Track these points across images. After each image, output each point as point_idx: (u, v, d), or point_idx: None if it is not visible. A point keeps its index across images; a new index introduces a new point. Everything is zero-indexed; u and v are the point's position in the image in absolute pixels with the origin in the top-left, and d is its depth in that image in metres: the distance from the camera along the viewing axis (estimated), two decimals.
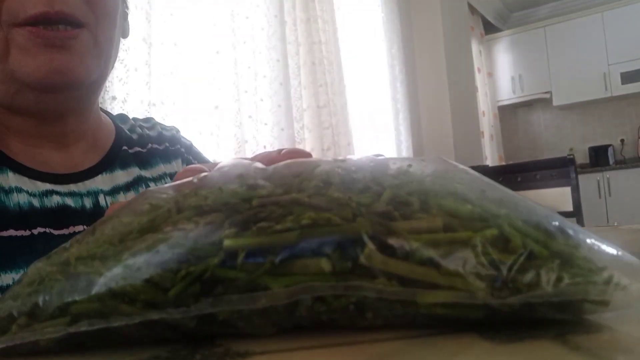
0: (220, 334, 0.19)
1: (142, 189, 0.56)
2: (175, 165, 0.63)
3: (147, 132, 0.63)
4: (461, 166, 0.22)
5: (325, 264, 0.17)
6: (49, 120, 0.50)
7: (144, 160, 0.59)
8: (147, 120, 0.67)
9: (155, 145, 0.62)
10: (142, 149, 0.60)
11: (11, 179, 0.47)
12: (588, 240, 0.18)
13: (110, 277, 0.18)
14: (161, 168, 0.60)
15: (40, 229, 0.47)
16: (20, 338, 0.18)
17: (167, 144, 0.64)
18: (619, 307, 0.17)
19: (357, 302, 0.18)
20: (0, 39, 0.43)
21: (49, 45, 0.44)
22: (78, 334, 0.18)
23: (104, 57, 0.49)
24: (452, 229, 0.17)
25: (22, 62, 0.44)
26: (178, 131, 0.68)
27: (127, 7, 0.56)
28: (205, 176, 0.21)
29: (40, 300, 0.19)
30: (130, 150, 0.59)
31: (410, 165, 0.21)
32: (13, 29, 0.43)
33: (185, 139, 0.68)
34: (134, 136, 0.61)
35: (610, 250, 0.18)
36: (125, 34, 0.56)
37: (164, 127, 0.66)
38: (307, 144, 2.32)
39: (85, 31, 0.46)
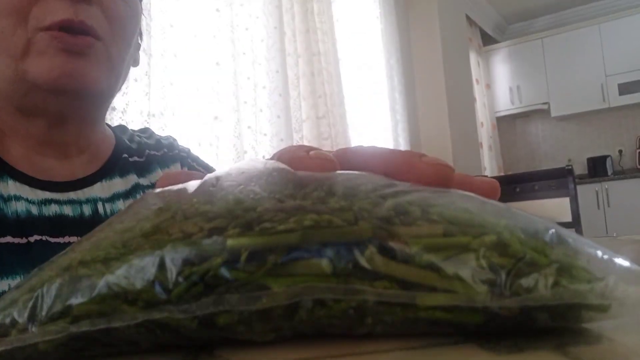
0: (219, 342, 0.19)
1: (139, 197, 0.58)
2: (174, 169, 0.65)
3: (145, 140, 0.65)
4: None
5: (326, 266, 0.18)
6: (55, 124, 0.52)
7: (142, 167, 0.61)
8: (144, 130, 0.70)
9: (153, 152, 0.64)
10: (139, 157, 0.62)
11: (11, 187, 0.49)
12: (587, 248, 0.18)
13: (113, 277, 0.18)
14: (159, 174, 0.62)
15: (37, 237, 0.48)
16: (21, 340, 0.18)
17: (165, 150, 0.66)
18: (618, 315, 0.17)
19: (357, 307, 0.18)
20: (23, 40, 0.46)
21: (66, 50, 0.47)
22: (78, 337, 0.18)
23: (114, 73, 0.52)
24: (452, 235, 0.18)
25: (38, 63, 0.46)
26: (175, 140, 0.70)
27: (141, 40, 0.61)
28: (216, 180, 0.22)
29: (42, 304, 0.19)
30: (130, 159, 0.61)
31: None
32: (38, 33, 0.46)
33: (183, 146, 0.70)
34: (133, 145, 0.63)
35: (609, 256, 0.18)
36: (135, 63, 0.60)
37: (161, 136, 0.69)
38: None
39: (101, 44, 0.49)
